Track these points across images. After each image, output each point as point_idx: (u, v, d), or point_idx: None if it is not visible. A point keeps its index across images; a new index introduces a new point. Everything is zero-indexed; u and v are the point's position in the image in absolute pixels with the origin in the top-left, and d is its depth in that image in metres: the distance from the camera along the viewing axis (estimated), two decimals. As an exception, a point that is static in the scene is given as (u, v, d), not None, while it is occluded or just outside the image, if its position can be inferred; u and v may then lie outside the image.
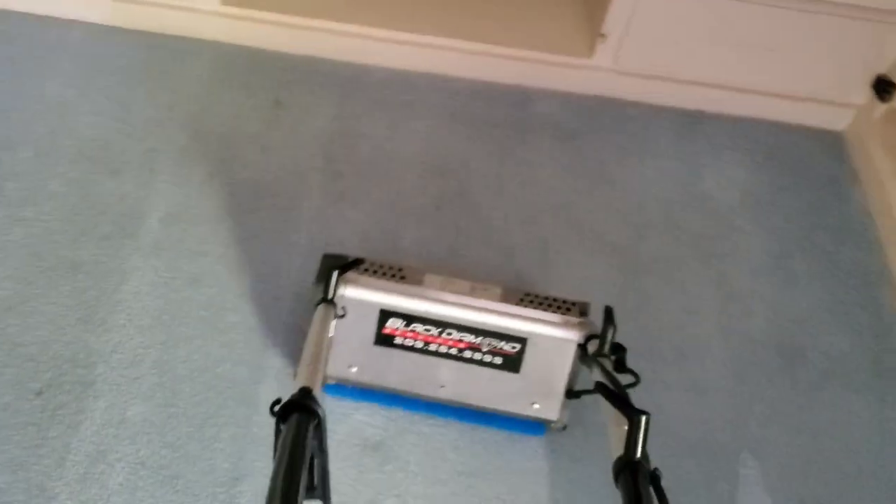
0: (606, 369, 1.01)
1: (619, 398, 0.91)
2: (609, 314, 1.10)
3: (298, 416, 0.80)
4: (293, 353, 1.27)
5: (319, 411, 0.82)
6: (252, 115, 1.58)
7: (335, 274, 1.12)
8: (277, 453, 0.76)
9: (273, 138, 1.55)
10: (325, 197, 1.48)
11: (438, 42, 1.69)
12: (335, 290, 1.12)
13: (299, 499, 0.72)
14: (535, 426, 1.24)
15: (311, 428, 0.80)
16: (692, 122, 1.70)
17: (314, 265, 1.17)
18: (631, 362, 1.04)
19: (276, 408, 0.82)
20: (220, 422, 1.20)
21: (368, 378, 1.21)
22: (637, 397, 0.91)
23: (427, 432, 1.23)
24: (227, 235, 1.40)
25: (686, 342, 1.37)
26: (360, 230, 1.44)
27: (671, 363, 1.35)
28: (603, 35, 1.61)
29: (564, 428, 1.23)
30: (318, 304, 1.11)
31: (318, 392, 0.86)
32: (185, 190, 1.45)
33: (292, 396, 0.83)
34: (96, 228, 1.38)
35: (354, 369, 1.20)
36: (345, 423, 1.22)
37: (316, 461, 0.84)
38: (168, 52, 1.66)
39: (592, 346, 1.12)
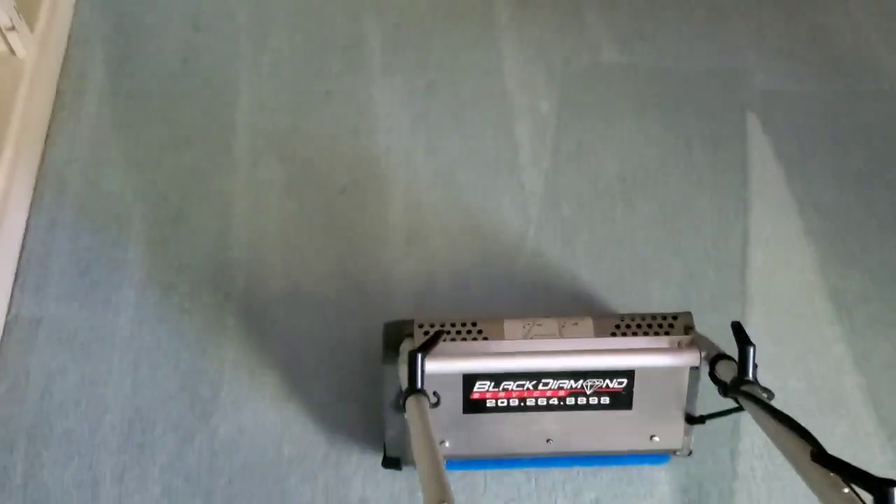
0: (759, 400, 0.87)
1: (853, 470, 0.72)
2: (741, 332, 0.95)
3: None
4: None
5: None
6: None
7: (419, 358, 0.96)
8: None
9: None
10: (511, 4, 1.63)
11: None
12: (423, 377, 0.96)
13: None
14: (657, 457, 1.11)
15: None
16: None
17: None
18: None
19: None
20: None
21: (464, 450, 1.08)
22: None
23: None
24: (438, 52, 1.57)
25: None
26: (550, 28, 1.60)
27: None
28: None
29: (691, 453, 1.08)
30: (406, 398, 0.94)
31: None
32: (390, 22, 1.61)
33: None
34: (329, 66, 1.55)
35: (447, 444, 1.07)
36: None
37: None
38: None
39: (721, 368, 0.98)
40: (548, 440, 1.07)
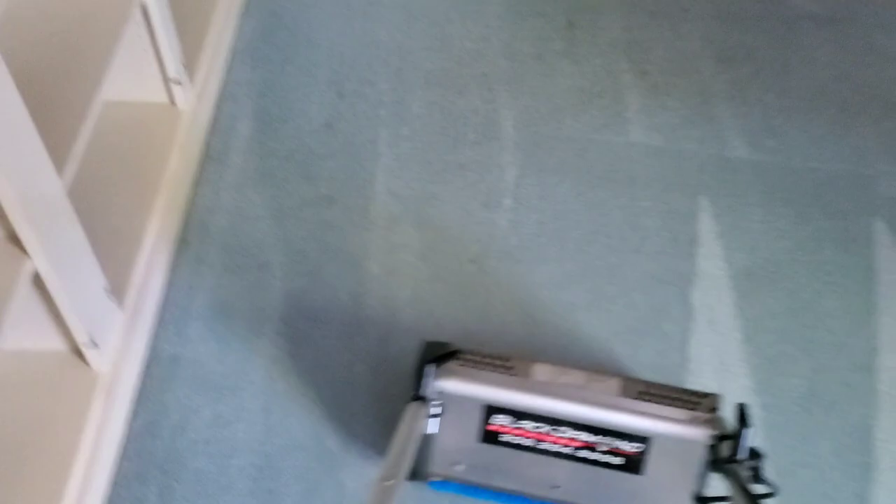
0: (740, 481, 0.93)
1: None
2: (743, 413, 0.99)
3: None
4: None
5: None
6: (553, 36, 1.81)
7: (430, 368, 1.05)
8: None
9: (577, 52, 1.78)
10: (642, 91, 1.70)
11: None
12: (429, 386, 1.04)
13: None
14: None
15: None
16: None
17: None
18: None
19: None
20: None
21: (475, 477, 1.12)
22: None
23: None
24: (569, 131, 1.63)
25: None
26: (679, 116, 1.66)
27: None
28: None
29: None
30: (411, 400, 1.03)
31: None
32: (522, 101, 1.68)
33: None
34: (465, 136, 1.62)
35: (460, 467, 1.11)
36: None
37: None
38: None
39: (725, 448, 1.01)
40: (554, 487, 1.10)
